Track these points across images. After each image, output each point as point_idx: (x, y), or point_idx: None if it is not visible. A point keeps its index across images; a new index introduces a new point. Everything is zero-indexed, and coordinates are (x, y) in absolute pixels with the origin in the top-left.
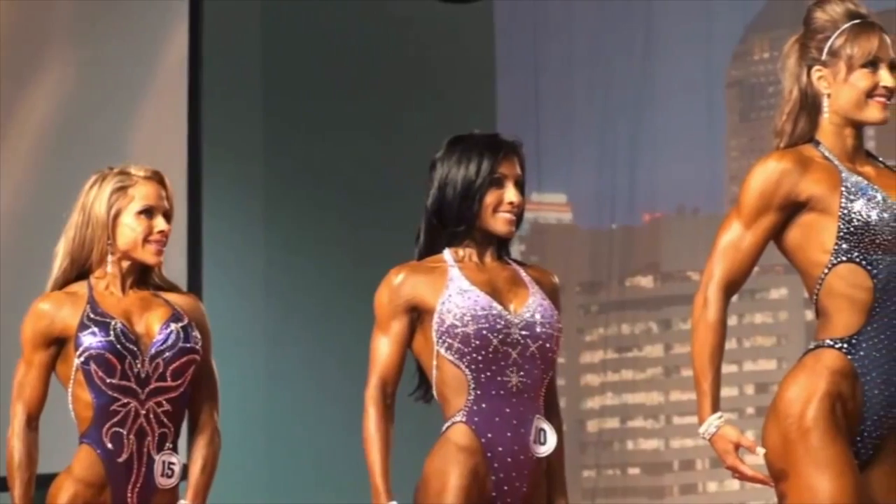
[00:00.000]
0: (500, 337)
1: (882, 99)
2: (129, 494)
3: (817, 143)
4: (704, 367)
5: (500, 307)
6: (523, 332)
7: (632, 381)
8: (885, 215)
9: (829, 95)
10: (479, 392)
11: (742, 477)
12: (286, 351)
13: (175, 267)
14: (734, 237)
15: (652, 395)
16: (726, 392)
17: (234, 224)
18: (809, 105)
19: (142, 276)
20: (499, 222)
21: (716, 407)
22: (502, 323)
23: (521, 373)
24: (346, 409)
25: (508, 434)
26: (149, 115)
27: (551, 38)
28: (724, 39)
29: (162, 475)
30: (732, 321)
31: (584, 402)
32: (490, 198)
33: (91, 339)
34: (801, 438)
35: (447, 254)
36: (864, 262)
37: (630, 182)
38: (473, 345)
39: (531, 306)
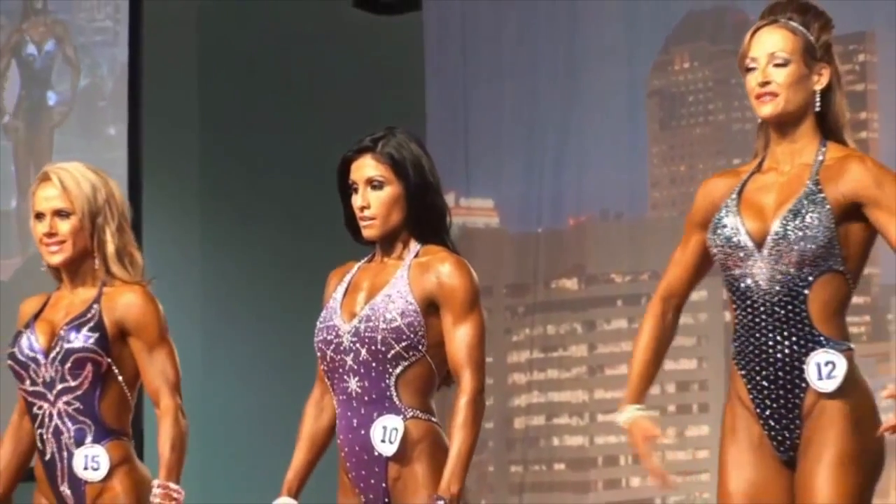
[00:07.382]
0: (333, 347)
1: (762, 97)
2: (60, 489)
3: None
4: (632, 361)
5: (339, 317)
6: (353, 339)
7: (557, 379)
8: (718, 240)
9: None
10: (336, 398)
11: (649, 466)
12: (222, 354)
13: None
14: (677, 251)
15: (577, 393)
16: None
17: (171, 228)
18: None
19: (93, 271)
20: (365, 231)
21: (634, 399)
22: (333, 334)
23: (357, 377)
24: (282, 410)
25: (350, 435)
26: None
27: (480, 47)
28: (645, 50)
29: (85, 469)
30: None
31: (511, 399)
32: (355, 208)
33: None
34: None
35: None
36: (727, 278)
37: (556, 188)
38: (318, 356)
39: (369, 308)
